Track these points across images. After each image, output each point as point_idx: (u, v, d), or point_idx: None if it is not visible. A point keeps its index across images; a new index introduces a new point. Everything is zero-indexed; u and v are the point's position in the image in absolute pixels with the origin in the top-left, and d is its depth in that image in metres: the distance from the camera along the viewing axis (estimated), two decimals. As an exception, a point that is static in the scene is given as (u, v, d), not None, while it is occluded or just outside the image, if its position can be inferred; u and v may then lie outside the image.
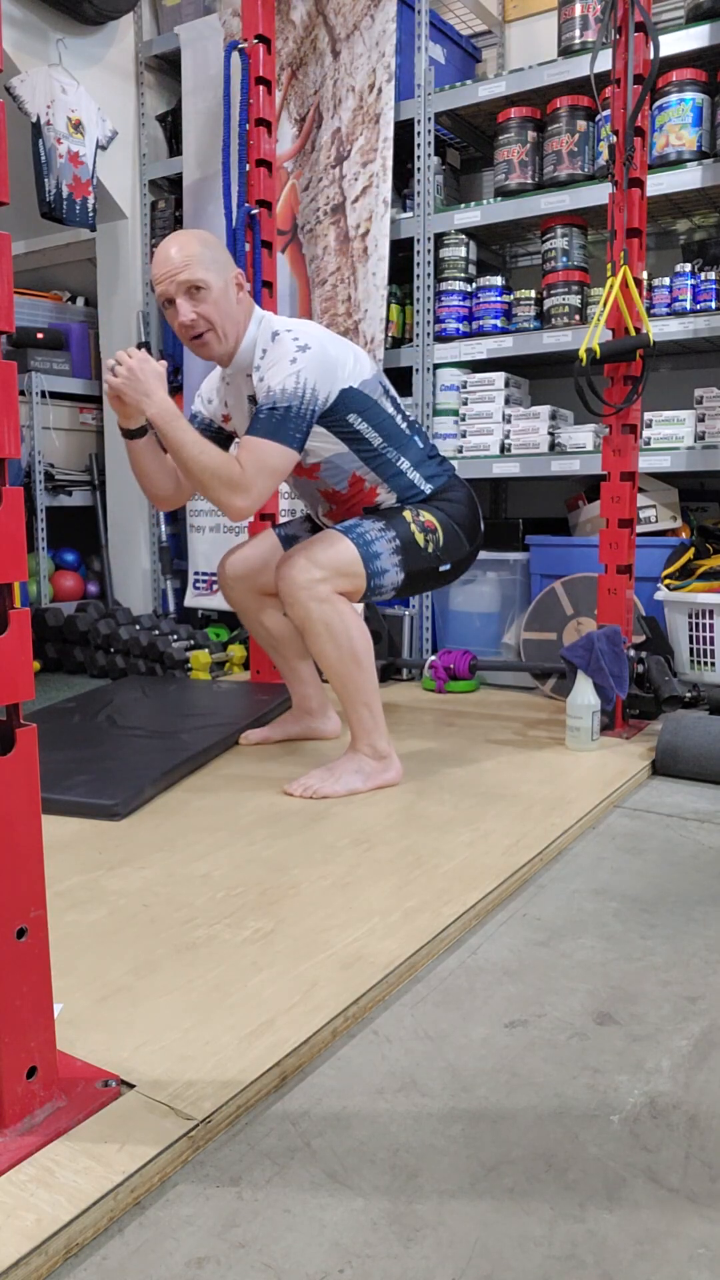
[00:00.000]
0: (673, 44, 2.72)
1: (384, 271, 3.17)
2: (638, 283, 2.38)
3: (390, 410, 2.10)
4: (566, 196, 2.96)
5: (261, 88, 2.98)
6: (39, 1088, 0.95)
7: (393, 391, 2.14)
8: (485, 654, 3.20)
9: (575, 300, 3.05)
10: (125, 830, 1.82)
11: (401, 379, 3.29)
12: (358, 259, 3.23)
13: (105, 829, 1.82)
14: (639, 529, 2.88)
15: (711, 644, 2.70)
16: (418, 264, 3.23)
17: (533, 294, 3.17)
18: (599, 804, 1.94)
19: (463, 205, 3.18)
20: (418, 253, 3.23)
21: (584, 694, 2.33)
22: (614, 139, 2.34)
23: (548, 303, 3.10)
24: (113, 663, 3.43)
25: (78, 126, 3.45)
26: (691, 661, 2.74)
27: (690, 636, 2.73)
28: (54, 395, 3.95)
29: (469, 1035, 1.15)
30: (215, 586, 3.69)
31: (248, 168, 3.02)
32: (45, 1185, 0.86)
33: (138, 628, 3.46)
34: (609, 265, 2.39)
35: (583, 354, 2.32)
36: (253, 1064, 1.05)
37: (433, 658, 3.06)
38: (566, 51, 2.96)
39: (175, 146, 3.81)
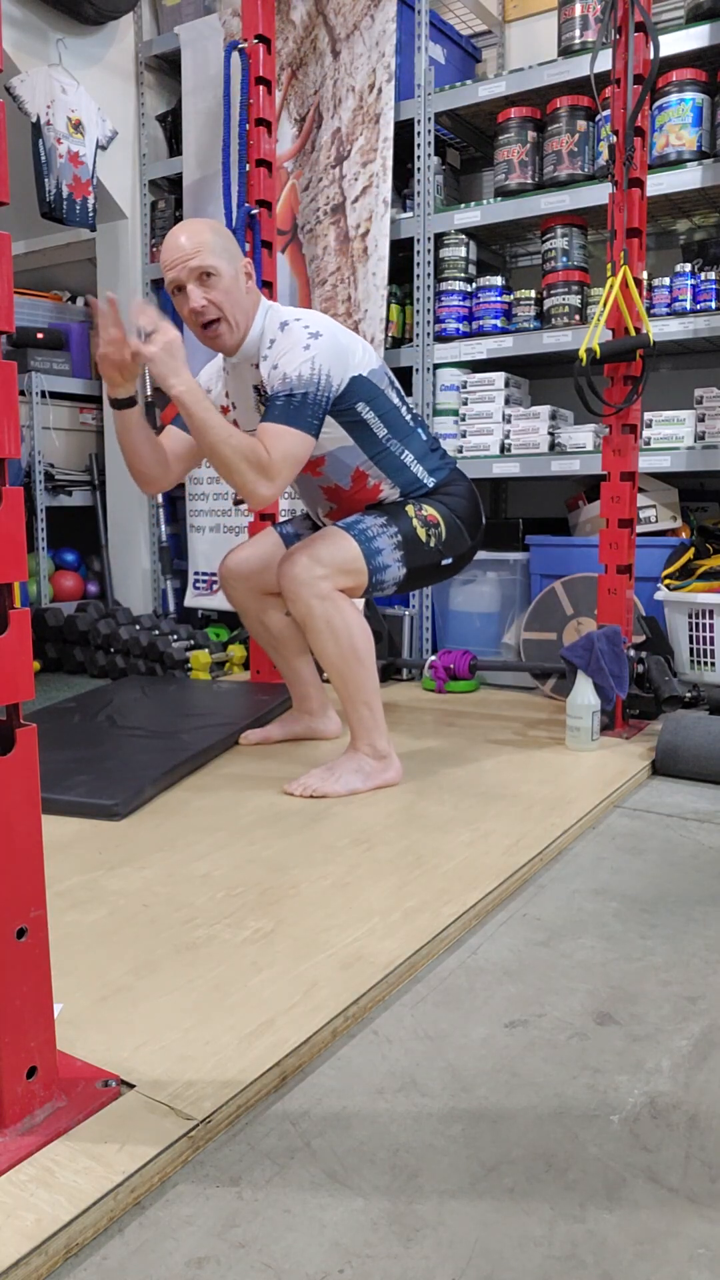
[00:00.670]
0: (673, 44, 2.72)
1: (384, 271, 3.17)
2: (638, 283, 2.38)
3: (396, 401, 2.11)
4: (566, 196, 2.96)
5: (261, 88, 2.98)
6: (39, 1088, 0.95)
7: (397, 384, 2.14)
8: (485, 654, 3.20)
9: (575, 300, 3.05)
10: (125, 830, 1.82)
11: (401, 379, 3.29)
12: (358, 259, 3.23)
13: (105, 829, 1.82)
14: (639, 529, 2.88)
15: (711, 644, 2.70)
16: (418, 264, 3.23)
17: (533, 294, 3.17)
18: (599, 804, 1.94)
19: (463, 205, 3.18)
20: (418, 253, 3.23)
21: (584, 694, 2.33)
22: (614, 139, 2.34)
23: (548, 303, 3.10)
24: (113, 663, 3.43)
25: (78, 126, 3.45)
26: (691, 661, 2.74)
27: (690, 636, 2.73)
28: (54, 395, 3.95)
29: (469, 1035, 1.15)
30: (215, 586, 3.69)
31: (248, 168, 3.02)
32: (45, 1185, 0.86)
33: (138, 628, 3.46)
34: (609, 265, 2.39)
35: (583, 354, 2.32)
36: (253, 1064, 1.05)
37: (433, 658, 3.06)
38: (566, 51, 2.96)
39: (175, 146, 3.81)
